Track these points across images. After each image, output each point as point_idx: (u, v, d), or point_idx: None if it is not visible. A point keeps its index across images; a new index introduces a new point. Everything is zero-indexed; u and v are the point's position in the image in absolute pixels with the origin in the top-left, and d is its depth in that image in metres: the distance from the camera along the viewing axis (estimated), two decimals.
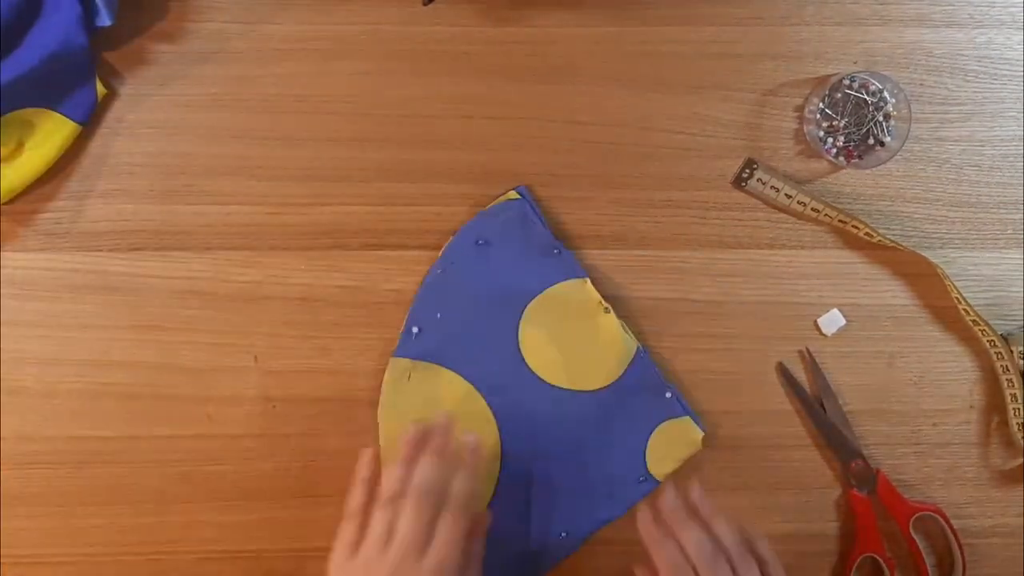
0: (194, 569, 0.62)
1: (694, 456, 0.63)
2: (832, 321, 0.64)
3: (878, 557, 0.63)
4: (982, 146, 0.65)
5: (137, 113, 0.63)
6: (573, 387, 0.62)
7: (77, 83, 0.61)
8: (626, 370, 0.62)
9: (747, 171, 0.64)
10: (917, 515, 0.63)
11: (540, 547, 0.62)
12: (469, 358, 0.62)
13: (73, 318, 0.62)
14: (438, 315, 0.62)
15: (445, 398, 0.62)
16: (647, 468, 0.62)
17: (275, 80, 0.63)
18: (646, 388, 0.62)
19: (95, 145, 0.63)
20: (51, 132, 0.61)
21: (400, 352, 0.62)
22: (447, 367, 0.62)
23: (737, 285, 0.64)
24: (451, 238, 0.63)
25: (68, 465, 0.62)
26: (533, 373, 0.62)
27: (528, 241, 0.62)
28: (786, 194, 0.64)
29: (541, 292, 0.62)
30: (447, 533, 0.50)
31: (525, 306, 0.62)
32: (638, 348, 0.62)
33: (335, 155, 0.63)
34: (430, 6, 0.62)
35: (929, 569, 0.64)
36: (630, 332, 0.62)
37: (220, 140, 0.63)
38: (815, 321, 0.64)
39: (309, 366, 0.63)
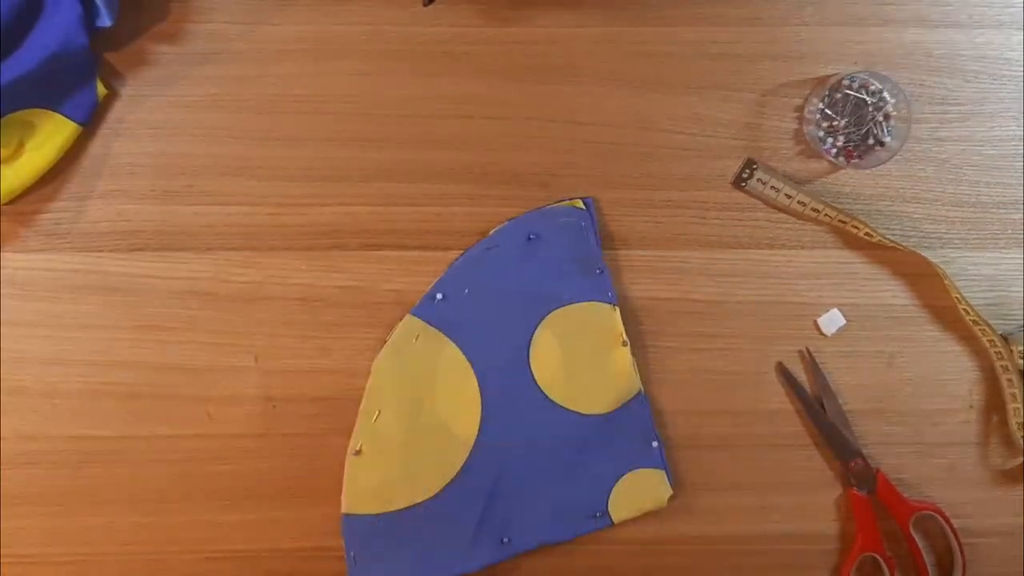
0: (194, 568, 0.62)
1: (656, 511, 0.63)
2: (832, 321, 0.64)
3: (878, 556, 0.63)
4: (981, 146, 0.65)
5: (138, 114, 0.63)
6: (566, 405, 0.62)
7: (78, 84, 0.61)
8: (621, 407, 0.62)
9: (747, 171, 0.64)
10: (917, 514, 0.63)
11: (477, 543, 0.61)
12: (478, 341, 0.62)
13: (73, 318, 0.62)
14: (465, 290, 0.62)
15: (441, 371, 0.62)
16: (607, 506, 0.62)
17: (275, 81, 0.63)
18: (634, 430, 0.62)
19: (96, 146, 0.63)
20: (52, 133, 0.61)
21: (416, 312, 0.62)
22: (454, 342, 0.62)
23: (737, 285, 0.64)
24: (505, 223, 0.63)
25: (68, 465, 0.62)
26: (533, 378, 0.62)
27: (575, 252, 0.62)
28: (786, 194, 0.64)
29: (568, 304, 0.62)
30: None
31: (548, 312, 0.62)
32: (639, 391, 0.62)
33: (335, 155, 0.63)
34: (430, 6, 0.62)
35: (929, 568, 0.64)
36: (637, 372, 0.62)
37: (220, 141, 0.63)
38: (815, 321, 0.64)
39: (309, 366, 0.63)
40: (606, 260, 0.63)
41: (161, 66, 0.63)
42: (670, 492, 0.62)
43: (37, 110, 0.60)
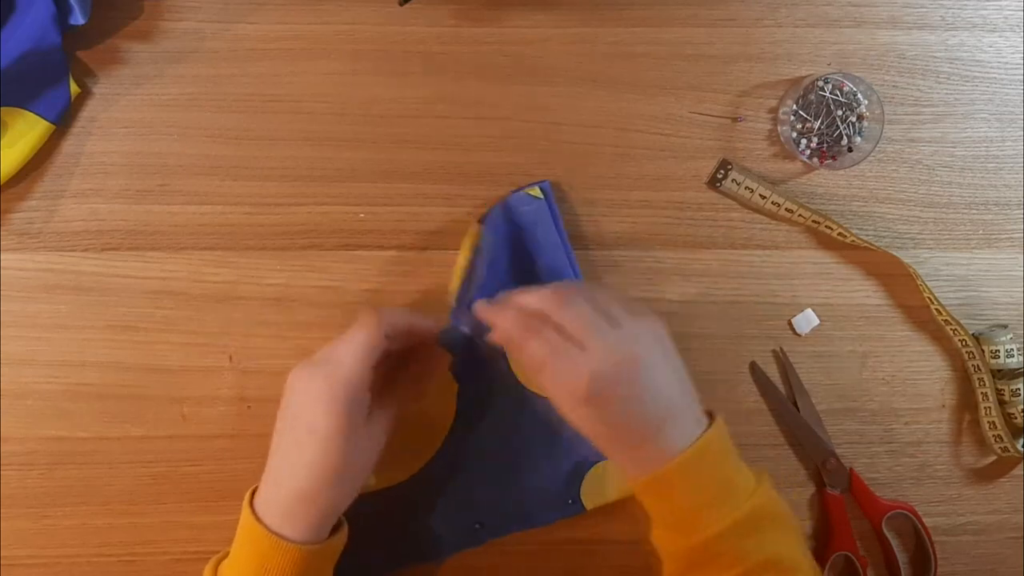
0: (168, 570, 0.62)
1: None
2: (806, 321, 0.65)
3: (851, 555, 0.63)
4: (954, 147, 0.66)
5: (111, 112, 0.62)
6: (539, 391, 0.62)
7: (50, 82, 0.60)
8: None
9: (722, 171, 0.64)
10: (890, 513, 0.64)
11: (450, 528, 0.61)
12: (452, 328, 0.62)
13: (46, 318, 0.62)
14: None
15: None
16: (579, 493, 0.62)
17: (250, 80, 0.63)
18: None
19: (68, 144, 0.62)
20: (24, 131, 0.60)
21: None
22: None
23: (711, 285, 0.64)
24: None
25: (41, 466, 0.62)
26: (507, 365, 0.62)
27: (541, 240, 0.62)
28: (760, 194, 0.64)
29: None
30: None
31: None
32: None
33: (311, 155, 0.63)
34: (406, 6, 0.62)
35: (902, 566, 0.64)
36: None
37: (195, 140, 0.63)
38: (789, 321, 0.65)
39: (284, 366, 0.61)
40: (581, 259, 0.63)
41: (135, 64, 0.63)
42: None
43: (9, 108, 0.60)
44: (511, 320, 0.52)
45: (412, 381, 0.58)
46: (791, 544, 0.52)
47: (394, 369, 0.56)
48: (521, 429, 0.62)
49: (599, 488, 0.62)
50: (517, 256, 0.62)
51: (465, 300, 0.61)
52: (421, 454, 0.62)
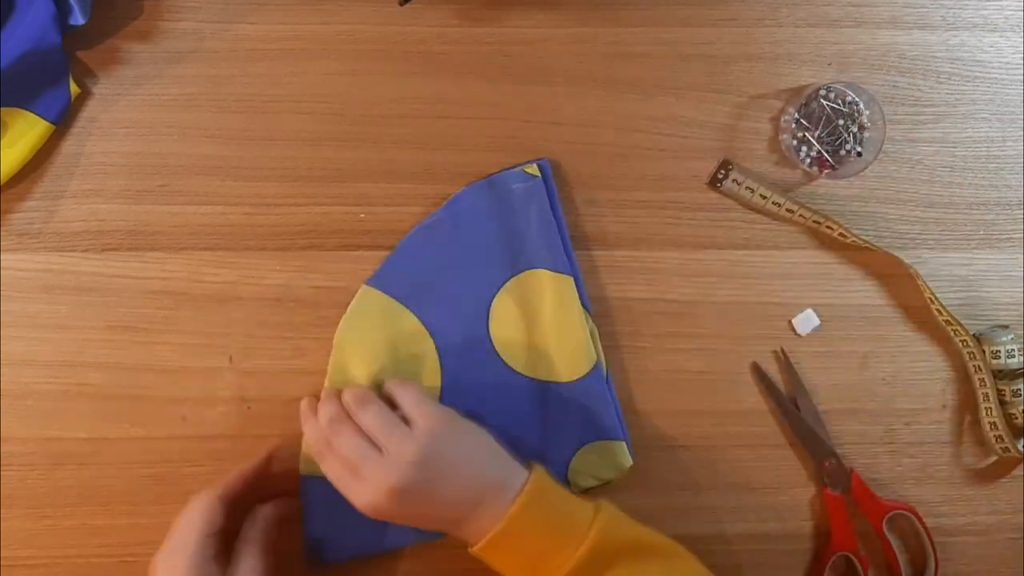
0: None
1: (618, 481, 0.63)
2: (806, 321, 0.65)
3: (852, 556, 0.63)
4: (954, 147, 0.66)
5: (111, 113, 0.62)
6: (526, 372, 0.62)
7: (50, 82, 0.60)
8: (581, 378, 0.62)
9: (722, 172, 0.64)
10: (890, 514, 0.64)
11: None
12: (437, 309, 0.62)
13: (46, 319, 0.62)
14: (422, 259, 0.62)
15: (401, 341, 0.62)
16: (567, 476, 0.62)
17: (250, 80, 0.63)
18: (595, 400, 0.62)
19: (68, 145, 0.62)
20: (24, 131, 0.60)
21: (372, 282, 0.62)
22: (412, 311, 0.62)
23: (712, 285, 0.64)
24: (461, 191, 0.63)
25: (41, 466, 0.62)
26: (492, 345, 0.62)
27: (531, 217, 0.62)
28: (761, 194, 0.64)
29: (527, 270, 0.62)
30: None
31: (507, 279, 0.62)
32: (598, 361, 0.62)
33: (311, 155, 0.63)
34: (406, 6, 0.62)
35: (902, 567, 0.64)
36: (598, 344, 0.62)
37: (194, 140, 0.63)
38: (789, 321, 0.65)
39: (284, 367, 0.63)
40: (582, 259, 0.63)
41: (134, 65, 0.63)
42: (631, 462, 0.62)
43: (9, 108, 0.60)
44: (311, 433, 0.57)
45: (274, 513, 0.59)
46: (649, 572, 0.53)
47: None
48: (507, 410, 0.62)
49: (587, 470, 0.62)
50: (503, 229, 0.62)
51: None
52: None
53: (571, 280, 0.62)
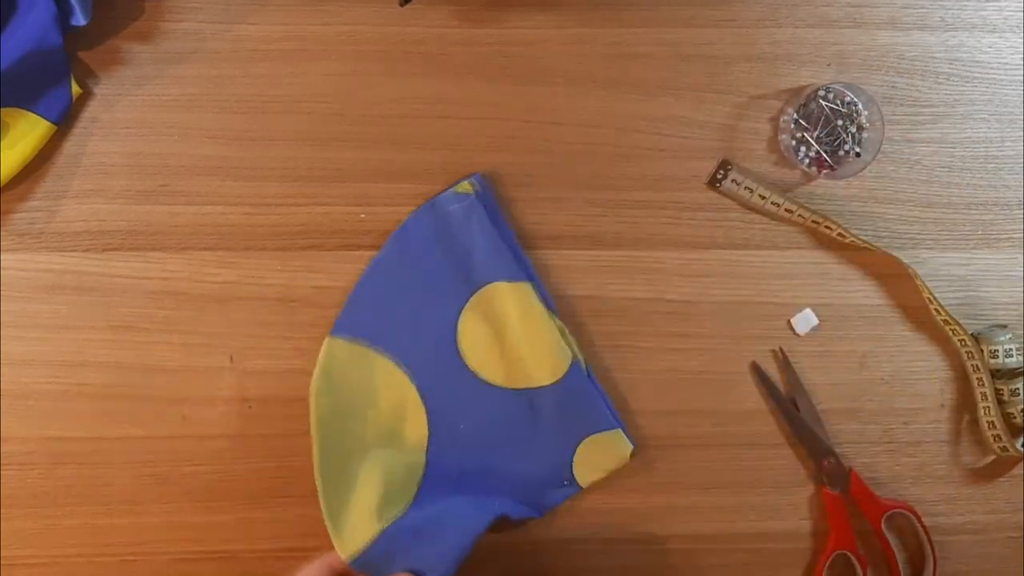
0: (169, 570, 0.62)
1: (622, 468, 0.63)
2: (805, 321, 0.65)
3: (850, 554, 0.64)
4: (953, 147, 0.66)
5: (112, 113, 0.63)
6: (506, 384, 0.62)
7: (52, 83, 0.60)
8: (562, 378, 0.62)
9: (721, 172, 0.64)
10: (889, 513, 0.64)
11: (459, 538, 0.60)
12: (405, 344, 0.62)
13: (47, 319, 0.62)
14: (380, 298, 0.62)
15: (378, 383, 0.62)
16: (573, 475, 0.62)
17: (251, 80, 0.63)
18: (582, 396, 0.62)
19: (69, 145, 0.62)
20: (25, 132, 0.60)
21: (336, 332, 0.62)
22: (382, 352, 0.62)
23: (711, 285, 0.65)
24: (402, 223, 0.63)
25: (42, 466, 0.62)
26: (468, 367, 0.62)
27: (477, 234, 0.62)
28: (760, 195, 0.64)
29: (484, 286, 0.62)
30: None
31: (468, 298, 0.62)
32: (575, 358, 0.62)
33: (311, 155, 0.63)
34: (406, 7, 0.62)
35: (901, 566, 0.64)
36: (571, 341, 0.63)
37: (195, 140, 0.63)
38: (788, 321, 0.65)
39: (285, 366, 0.63)
40: (582, 259, 0.64)
41: (136, 65, 0.63)
42: (631, 447, 0.62)
43: (10, 109, 0.60)
44: None
45: None
46: None
47: None
48: (497, 426, 0.62)
49: (591, 465, 0.62)
50: (451, 252, 0.62)
51: None
52: (410, 480, 0.61)
53: (529, 285, 0.62)
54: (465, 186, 0.63)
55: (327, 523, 0.59)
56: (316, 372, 0.62)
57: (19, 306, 0.62)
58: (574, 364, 0.62)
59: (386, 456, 0.61)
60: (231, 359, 0.63)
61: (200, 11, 0.63)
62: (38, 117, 0.60)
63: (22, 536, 0.62)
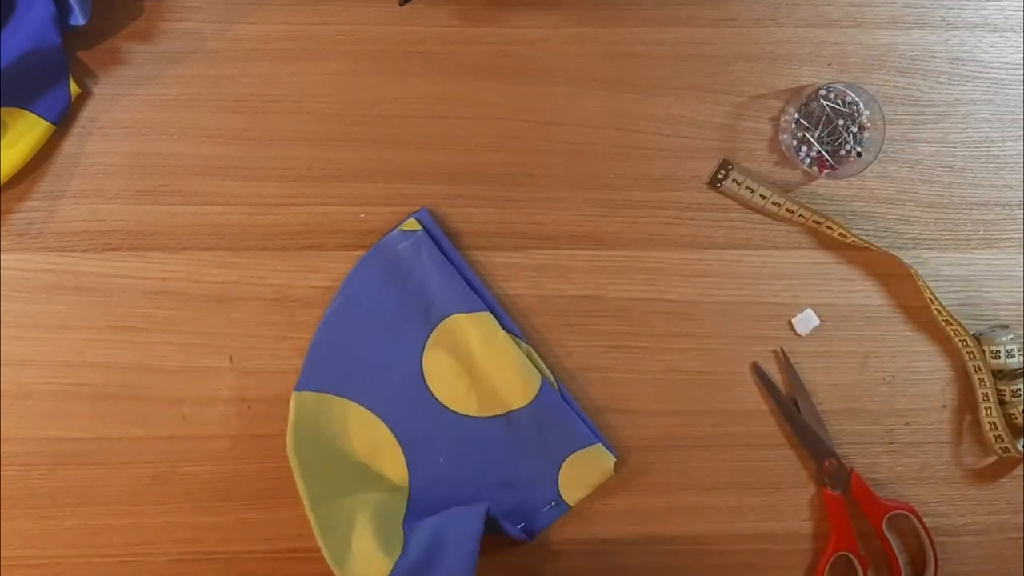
0: (168, 570, 0.62)
1: (617, 482, 0.63)
2: (806, 321, 0.65)
3: (851, 555, 0.63)
4: (954, 147, 0.66)
5: (111, 113, 0.62)
6: (480, 414, 0.62)
7: (50, 82, 0.60)
8: (534, 399, 0.62)
9: (722, 172, 0.64)
10: (890, 514, 0.64)
11: (464, 544, 0.59)
12: (372, 387, 0.62)
13: (46, 319, 0.62)
14: (339, 347, 0.62)
15: (352, 429, 0.62)
16: (560, 496, 0.62)
17: (250, 80, 0.63)
18: (558, 415, 0.62)
19: (68, 145, 0.62)
20: (24, 131, 0.60)
21: (300, 386, 0.61)
22: (350, 398, 0.62)
23: (712, 285, 0.64)
24: (353, 267, 0.62)
25: (41, 466, 0.62)
26: (438, 401, 0.62)
27: (428, 270, 0.62)
28: (761, 194, 0.64)
29: (443, 319, 0.62)
30: None
31: (428, 335, 0.62)
32: (543, 379, 0.62)
33: (311, 155, 0.63)
34: (406, 7, 0.62)
35: (902, 567, 0.64)
36: (540, 363, 0.62)
37: (195, 140, 0.63)
38: (789, 321, 0.65)
39: (285, 367, 0.63)
40: (582, 259, 0.64)
41: (135, 65, 0.63)
42: (613, 459, 0.62)
43: (9, 108, 0.60)
44: None
45: None
46: None
47: None
48: (477, 456, 0.62)
49: (576, 482, 0.62)
50: (406, 289, 0.62)
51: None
52: (398, 522, 0.61)
53: (488, 315, 0.62)
54: (412, 223, 0.62)
55: (334, 570, 0.59)
56: (289, 430, 0.61)
57: (18, 306, 0.62)
58: (543, 384, 0.62)
59: (373, 498, 0.61)
60: (231, 359, 0.62)
61: (199, 10, 0.63)
62: (37, 117, 0.60)
63: (22, 536, 0.61)
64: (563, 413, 0.62)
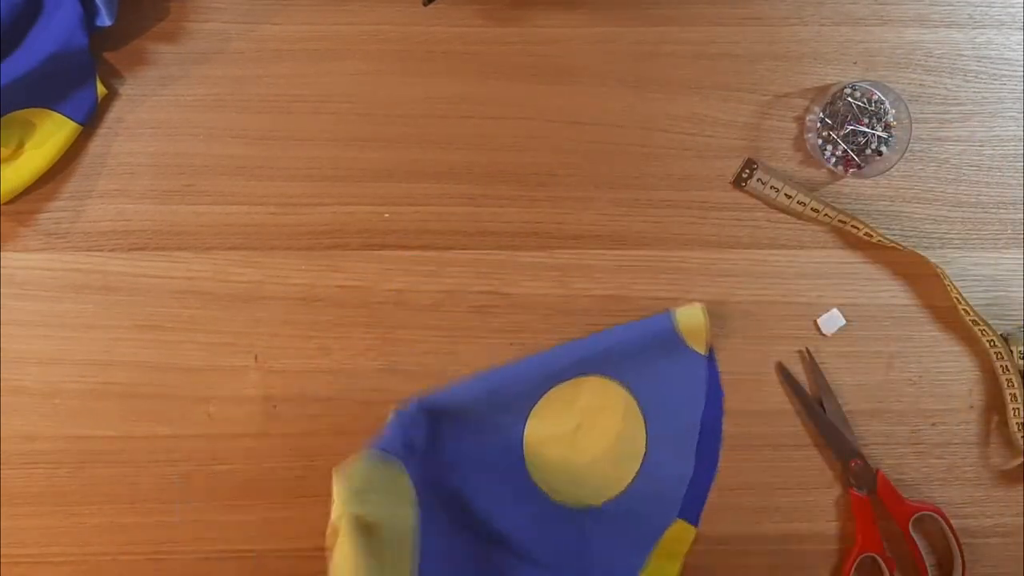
0: (194, 568, 0.62)
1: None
2: (832, 321, 0.64)
3: (878, 556, 0.63)
4: (981, 146, 0.65)
5: (137, 113, 0.63)
6: (578, 504, 0.62)
7: (77, 83, 0.61)
8: (636, 477, 0.62)
9: (747, 171, 0.64)
10: (917, 515, 0.63)
11: None
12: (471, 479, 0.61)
13: (73, 318, 0.62)
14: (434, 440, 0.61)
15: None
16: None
17: (275, 80, 0.63)
18: (657, 492, 0.62)
19: (95, 145, 0.63)
20: (51, 132, 0.61)
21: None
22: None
23: (737, 285, 0.64)
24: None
25: (69, 464, 0.62)
26: (535, 486, 0.62)
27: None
28: (786, 194, 0.64)
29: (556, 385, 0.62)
30: None
31: (533, 405, 0.62)
32: (646, 451, 0.62)
33: (335, 155, 0.63)
34: (430, 7, 0.62)
35: (928, 569, 0.64)
36: (644, 431, 0.62)
37: (220, 140, 0.63)
38: (815, 321, 0.64)
39: (309, 366, 0.63)
40: (606, 259, 0.64)
41: (161, 65, 0.63)
42: (695, 531, 0.62)
43: (37, 109, 0.60)
44: None
45: None
46: None
47: None
48: (565, 542, 0.61)
49: (663, 563, 0.62)
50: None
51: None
52: None
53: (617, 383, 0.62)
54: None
55: None
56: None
57: (47, 306, 0.62)
58: (647, 457, 0.62)
59: None
60: (256, 358, 0.63)
61: (224, 11, 0.63)
62: (64, 118, 0.61)
63: (49, 533, 0.62)
64: (665, 489, 0.62)
